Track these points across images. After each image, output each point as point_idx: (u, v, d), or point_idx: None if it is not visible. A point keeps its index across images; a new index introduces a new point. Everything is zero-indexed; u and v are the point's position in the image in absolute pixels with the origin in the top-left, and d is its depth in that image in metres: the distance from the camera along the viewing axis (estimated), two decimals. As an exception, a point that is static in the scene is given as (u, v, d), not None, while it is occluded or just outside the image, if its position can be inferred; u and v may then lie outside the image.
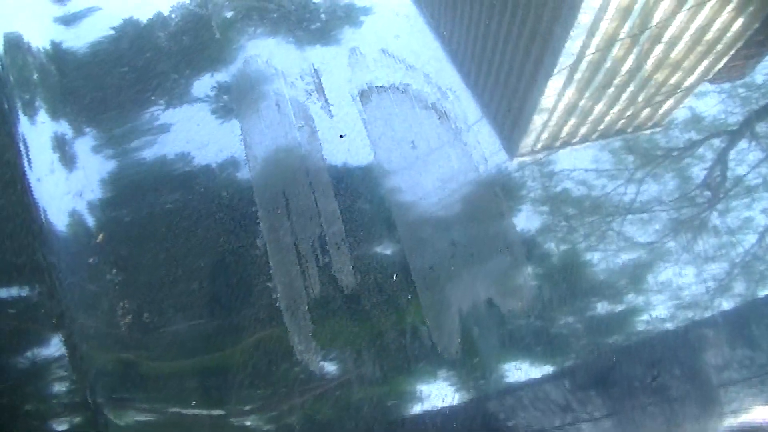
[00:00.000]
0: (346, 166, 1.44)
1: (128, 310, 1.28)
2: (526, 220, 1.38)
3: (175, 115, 1.52)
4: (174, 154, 1.47)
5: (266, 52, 1.61)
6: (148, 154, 1.47)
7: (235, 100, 1.53)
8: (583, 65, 1.57)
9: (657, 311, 1.29)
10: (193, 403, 1.22)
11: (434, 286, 1.31)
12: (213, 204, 1.39)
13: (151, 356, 1.25)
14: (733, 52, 1.55)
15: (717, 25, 1.57)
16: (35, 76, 1.59)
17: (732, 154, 1.43)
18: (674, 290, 1.31)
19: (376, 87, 1.56)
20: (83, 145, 1.49)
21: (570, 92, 1.55)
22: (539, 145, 1.50)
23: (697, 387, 1.25)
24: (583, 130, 1.51)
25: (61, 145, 1.48)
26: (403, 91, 1.55)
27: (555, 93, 1.55)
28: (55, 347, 1.27)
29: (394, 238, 1.36)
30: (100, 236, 1.36)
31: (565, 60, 1.58)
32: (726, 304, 1.30)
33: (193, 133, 1.49)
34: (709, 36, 1.56)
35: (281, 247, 1.34)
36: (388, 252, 1.34)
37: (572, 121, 1.52)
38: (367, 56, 1.62)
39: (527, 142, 1.50)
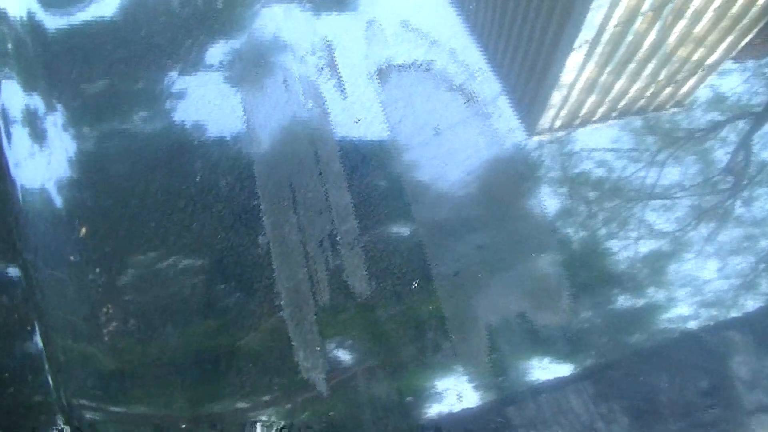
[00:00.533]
0: (362, 154, 1.27)
1: (112, 316, 1.13)
2: (560, 216, 1.21)
3: (171, 89, 1.35)
4: (167, 135, 1.30)
5: (274, 22, 1.43)
6: (138, 134, 1.31)
7: (237, 76, 1.35)
8: (605, 38, 1.41)
9: (678, 310, 1.15)
10: (183, 426, 1.07)
11: (459, 295, 1.15)
12: (210, 195, 1.23)
13: (136, 371, 1.10)
14: (758, 28, 1.43)
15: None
16: (10, 47, 1.43)
17: (756, 137, 1.32)
18: (697, 286, 1.16)
19: (396, 64, 1.38)
20: (64, 124, 1.32)
21: (591, 67, 1.38)
22: (558, 124, 1.34)
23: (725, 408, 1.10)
24: (602, 109, 1.35)
25: (41, 123, 1.32)
26: (426, 70, 1.37)
27: (575, 68, 1.38)
28: (31, 354, 1.13)
29: (414, 238, 1.19)
30: (83, 230, 1.21)
31: (586, 33, 1.41)
32: (752, 303, 1.17)
33: (190, 111, 1.32)
34: (734, 11, 1.44)
35: (286, 247, 1.18)
36: (408, 254, 1.18)
37: (593, 98, 1.37)
38: (385, 30, 1.43)
39: (549, 120, 1.33)
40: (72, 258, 1.18)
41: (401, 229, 1.20)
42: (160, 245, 1.18)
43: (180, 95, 1.34)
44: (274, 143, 1.28)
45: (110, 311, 1.13)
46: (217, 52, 1.40)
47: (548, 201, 1.24)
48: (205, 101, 1.33)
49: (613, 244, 1.21)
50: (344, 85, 1.35)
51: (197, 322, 1.13)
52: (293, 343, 1.11)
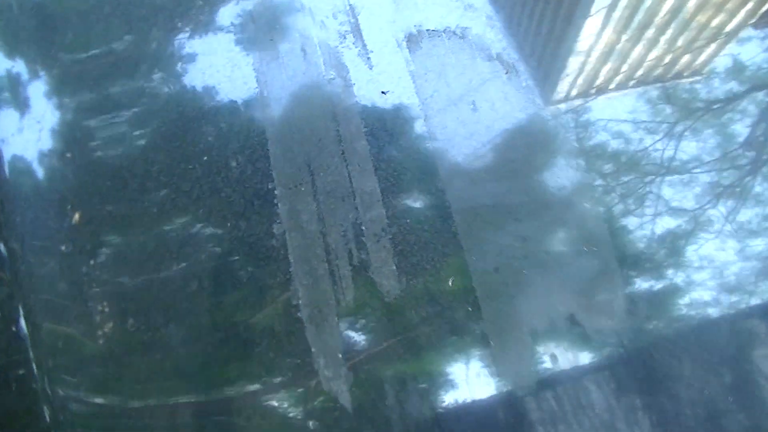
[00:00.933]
0: (389, 132, 1.13)
1: (109, 315, 1.00)
2: (613, 204, 1.07)
3: (177, 53, 1.20)
4: (170, 108, 1.16)
5: None
6: (138, 106, 1.17)
7: (250, 41, 1.20)
8: (623, 2, 1.29)
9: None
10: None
11: (500, 295, 1.01)
12: (219, 177, 1.09)
13: (135, 380, 0.98)
14: None
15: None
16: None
17: None
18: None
19: (427, 30, 1.22)
20: (52, 92, 1.18)
21: (608, 32, 1.28)
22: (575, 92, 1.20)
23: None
24: (619, 77, 1.25)
25: (26, 91, 1.18)
26: (461, 37, 1.22)
27: (594, 33, 1.27)
28: (16, 353, 1.01)
29: (448, 229, 1.05)
30: (76, 216, 1.07)
31: None
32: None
33: (196, 80, 1.18)
34: None
35: (304, 237, 1.04)
36: (442, 247, 1.04)
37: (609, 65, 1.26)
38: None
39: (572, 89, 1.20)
40: (63, 248, 1.05)
41: (434, 219, 1.06)
42: (162, 234, 1.05)
43: (186, 60, 1.20)
44: (290, 119, 1.13)
45: (106, 310, 1.00)
46: (227, 12, 1.24)
47: (599, 188, 1.10)
48: (213, 69, 1.19)
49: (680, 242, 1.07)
50: (369, 53, 1.20)
51: (203, 325, 1.00)
52: (312, 349, 0.98)
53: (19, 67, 1.20)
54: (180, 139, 1.12)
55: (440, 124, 1.14)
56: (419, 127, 1.13)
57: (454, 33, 1.22)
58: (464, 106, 1.15)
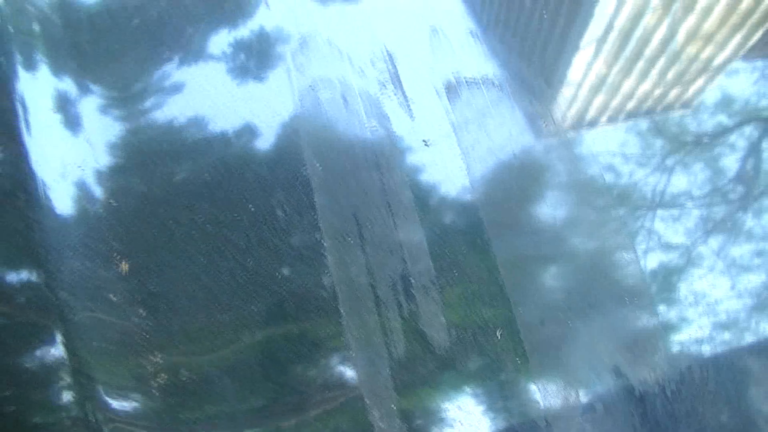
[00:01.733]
0: (433, 183, 1.15)
1: (161, 366, 1.01)
2: (655, 259, 1.10)
3: (216, 103, 1.21)
4: (212, 156, 1.17)
5: (328, 28, 1.29)
6: (182, 153, 1.17)
7: (290, 91, 1.22)
8: (614, 33, 1.33)
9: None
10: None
11: (548, 348, 1.03)
12: (266, 226, 1.10)
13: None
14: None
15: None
16: (36, 27, 1.28)
17: (765, 143, 1.26)
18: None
19: (465, 79, 1.25)
20: (93, 126, 1.18)
21: (599, 63, 1.31)
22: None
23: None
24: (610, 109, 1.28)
25: (64, 106, 1.19)
26: (498, 85, 1.24)
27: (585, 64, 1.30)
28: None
29: (495, 281, 1.07)
30: (124, 265, 1.08)
31: (595, 27, 1.33)
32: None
33: (239, 128, 1.19)
34: (743, 5, 1.39)
35: (354, 290, 1.06)
36: (490, 299, 1.06)
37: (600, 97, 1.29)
38: (451, 39, 1.30)
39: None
40: (113, 297, 1.05)
41: (481, 270, 1.08)
42: (211, 283, 1.06)
43: (227, 109, 1.21)
44: (335, 169, 1.15)
45: (158, 359, 1.01)
46: (265, 61, 1.26)
47: (643, 241, 1.13)
48: (256, 118, 1.20)
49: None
50: (410, 102, 1.22)
51: (257, 377, 1.01)
52: (366, 401, 0.99)
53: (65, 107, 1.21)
54: (224, 188, 1.13)
55: (483, 176, 1.16)
56: (462, 177, 1.15)
57: (492, 83, 1.24)
58: (506, 157, 1.18)
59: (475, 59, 1.28)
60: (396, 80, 1.24)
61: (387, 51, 1.27)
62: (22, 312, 1.04)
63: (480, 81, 1.25)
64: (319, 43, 1.28)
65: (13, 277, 1.06)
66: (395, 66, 1.26)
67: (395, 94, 1.23)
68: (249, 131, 1.19)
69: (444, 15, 1.33)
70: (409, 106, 1.22)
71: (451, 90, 1.24)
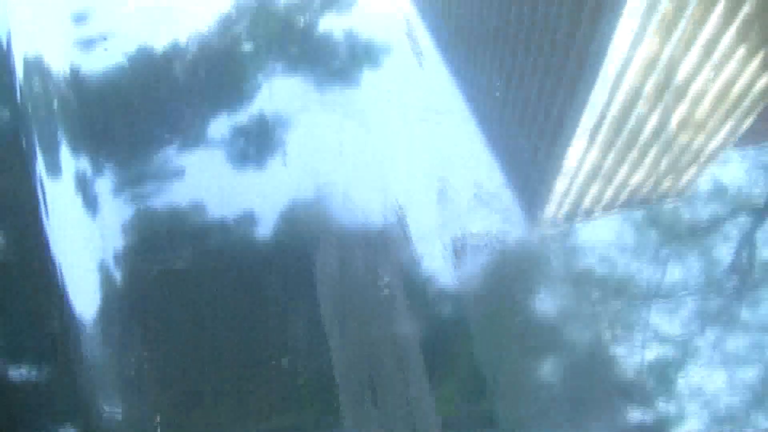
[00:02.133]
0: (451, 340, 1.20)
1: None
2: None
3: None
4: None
5: (342, 178, 1.30)
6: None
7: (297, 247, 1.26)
8: (608, 122, 1.35)
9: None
10: None
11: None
12: (286, 388, 1.20)
13: None
14: (759, 109, 1.39)
15: (744, 79, 1.41)
16: (55, 106, 1.36)
17: (759, 233, 1.27)
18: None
19: (471, 233, 1.25)
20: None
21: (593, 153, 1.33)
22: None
23: None
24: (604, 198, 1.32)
25: (84, 190, 1.28)
26: (502, 242, 1.25)
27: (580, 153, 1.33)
28: None
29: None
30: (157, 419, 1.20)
31: (588, 116, 1.34)
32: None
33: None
34: (735, 92, 1.41)
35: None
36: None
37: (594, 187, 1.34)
38: (460, 195, 1.29)
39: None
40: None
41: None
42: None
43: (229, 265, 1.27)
44: (349, 331, 1.20)
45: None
46: (269, 221, 1.31)
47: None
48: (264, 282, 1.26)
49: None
50: (419, 257, 1.24)
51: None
52: None
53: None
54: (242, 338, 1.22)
55: (494, 341, 1.20)
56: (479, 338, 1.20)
57: (497, 238, 1.25)
58: (517, 321, 1.21)
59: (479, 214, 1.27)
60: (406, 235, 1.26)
61: (398, 203, 1.28)
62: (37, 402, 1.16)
63: (485, 238, 1.25)
64: (335, 196, 1.30)
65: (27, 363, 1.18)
66: (406, 219, 1.26)
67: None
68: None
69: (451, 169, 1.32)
70: (418, 261, 1.23)
71: (459, 248, 1.24)
